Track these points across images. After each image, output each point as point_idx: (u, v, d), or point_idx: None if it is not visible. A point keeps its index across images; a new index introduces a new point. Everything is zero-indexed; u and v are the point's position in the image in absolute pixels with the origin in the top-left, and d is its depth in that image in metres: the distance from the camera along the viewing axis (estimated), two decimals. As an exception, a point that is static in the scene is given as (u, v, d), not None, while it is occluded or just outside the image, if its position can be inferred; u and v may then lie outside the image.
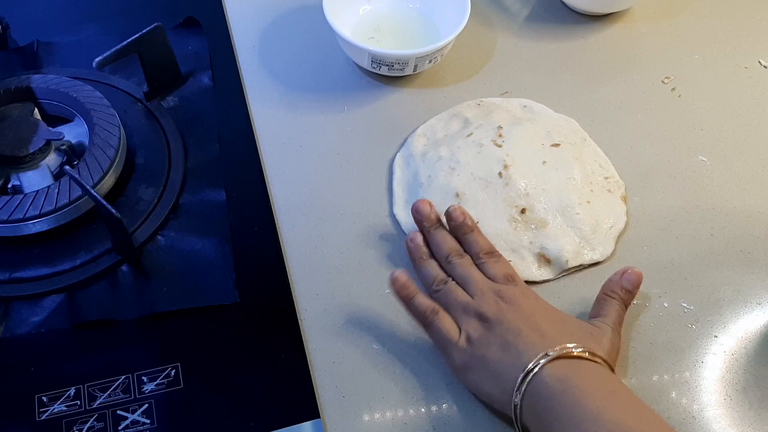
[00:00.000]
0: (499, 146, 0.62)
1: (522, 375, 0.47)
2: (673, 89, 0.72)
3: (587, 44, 0.76)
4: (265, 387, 0.54)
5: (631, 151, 0.66)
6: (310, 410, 0.52)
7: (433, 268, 0.56)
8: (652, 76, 0.73)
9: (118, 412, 0.53)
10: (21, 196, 0.58)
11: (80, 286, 0.58)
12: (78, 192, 0.59)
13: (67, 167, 0.59)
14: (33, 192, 0.59)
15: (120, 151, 0.62)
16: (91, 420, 0.52)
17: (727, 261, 0.60)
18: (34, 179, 0.62)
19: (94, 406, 0.53)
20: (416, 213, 0.58)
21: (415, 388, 0.53)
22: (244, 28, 0.76)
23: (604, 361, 0.48)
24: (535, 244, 0.58)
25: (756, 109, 0.70)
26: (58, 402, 0.53)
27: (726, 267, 0.59)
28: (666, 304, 0.57)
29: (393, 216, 0.62)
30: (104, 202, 0.55)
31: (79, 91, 0.65)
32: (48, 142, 0.62)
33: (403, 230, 0.61)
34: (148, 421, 0.52)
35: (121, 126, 0.64)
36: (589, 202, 0.61)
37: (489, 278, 0.54)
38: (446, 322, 0.52)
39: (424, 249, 0.57)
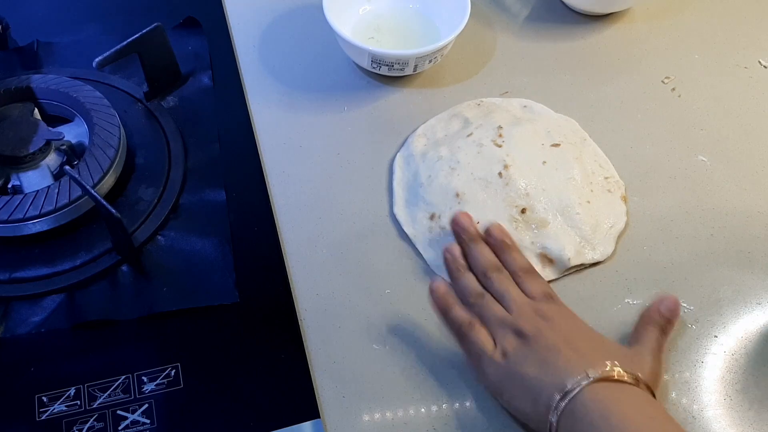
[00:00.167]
0: (499, 146, 0.62)
1: (561, 395, 0.46)
2: (673, 89, 0.72)
3: (587, 44, 0.76)
4: (265, 387, 0.54)
5: (631, 151, 0.66)
6: (310, 410, 0.52)
7: (470, 281, 0.55)
8: (652, 76, 0.73)
9: (118, 412, 0.53)
10: (21, 196, 0.58)
11: (80, 286, 0.58)
12: (78, 192, 0.59)
13: (67, 167, 0.59)
14: (33, 192, 0.59)
15: (120, 151, 0.62)
16: (91, 420, 0.52)
17: (727, 261, 0.60)
18: (34, 179, 0.62)
19: (94, 406, 0.53)
20: (455, 225, 0.57)
21: (415, 388, 0.53)
22: (244, 28, 0.76)
23: (646, 385, 0.47)
24: (537, 244, 0.58)
25: (756, 109, 0.70)
26: (58, 402, 0.53)
27: (726, 267, 0.59)
28: (666, 304, 0.57)
29: (393, 216, 0.62)
30: (104, 202, 0.55)
31: (79, 91, 0.65)
32: (48, 142, 0.62)
33: (403, 230, 0.61)
34: (148, 421, 0.52)
35: (121, 126, 0.64)
36: (589, 202, 0.61)
37: (526, 295, 0.53)
38: (482, 335, 0.51)
39: (462, 261, 0.56)
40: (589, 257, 0.59)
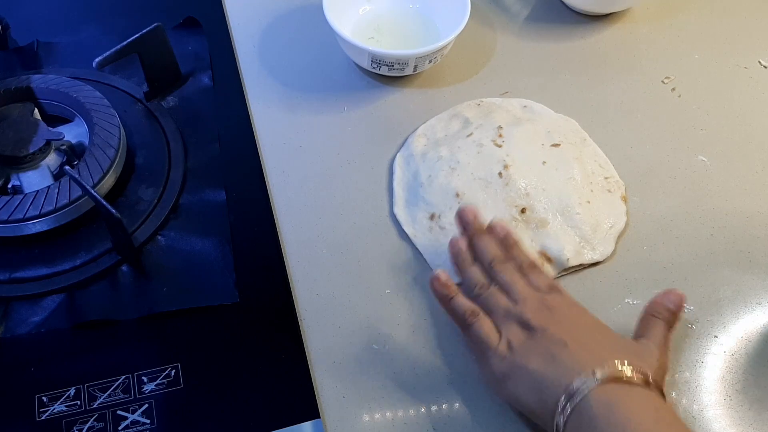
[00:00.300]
0: (499, 146, 0.62)
1: (568, 396, 0.45)
2: (673, 89, 0.72)
3: (587, 44, 0.76)
4: (265, 387, 0.54)
5: (631, 151, 0.66)
6: (310, 410, 0.52)
7: (475, 272, 0.54)
8: (652, 76, 0.73)
9: (118, 412, 0.53)
10: (21, 196, 0.58)
11: (80, 286, 0.58)
12: (78, 192, 0.59)
13: (67, 167, 0.59)
14: (33, 192, 0.59)
15: (120, 151, 0.62)
16: (91, 420, 0.52)
17: (727, 261, 0.60)
18: (34, 179, 0.62)
19: (94, 406, 0.53)
20: (460, 218, 0.56)
21: (415, 388, 0.53)
22: (244, 28, 0.76)
23: (656, 385, 0.46)
24: (536, 243, 0.58)
25: (756, 109, 0.70)
26: (58, 402, 0.53)
27: (726, 267, 0.59)
28: (666, 304, 0.57)
29: (393, 216, 0.62)
30: (104, 202, 0.55)
31: (79, 91, 0.65)
32: (48, 142, 0.62)
33: (403, 230, 0.61)
34: (148, 421, 0.52)
35: (121, 126, 0.64)
36: (589, 202, 0.61)
37: (533, 287, 0.52)
38: (486, 326, 0.51)
39: (467, 254, 0.55)
40: (589, 257, 0.59)
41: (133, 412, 0.52)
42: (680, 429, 0.45)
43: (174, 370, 0.54)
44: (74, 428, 0.52)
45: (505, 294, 0.52)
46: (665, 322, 0.51)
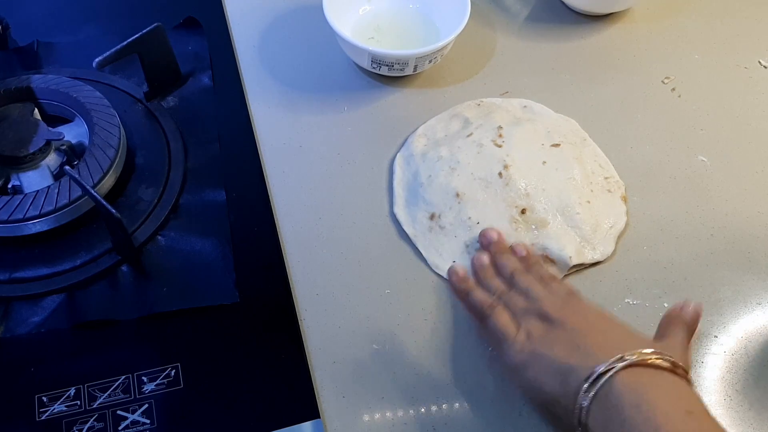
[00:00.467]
0: (499, 146, 0.62)
1: (593, 377, 0.43)
2: (673, 89, 0.72)
3: (587, 44, 0.76)
4: (265, 387, 0.54)
5: (631, 151, 0.66)
6: (310, 410, 0.52)
7: (496, 282, 0.54)
8: (652, 76, 0.73)
9: (118, 412, 0.53)
10: (21, 196, 0.58)
11: (80, 286, 0.58)
12: (78, 192, 0.59)
13: (67, 167, 0.59)
14: (33, 192, 0.59)
15: (120, 151, 0.62)
16: (91, 420, 0.52)
17: (727, 261, 0.60)
18: (34, 179, 0.62)
19: (94, 406, 0.53)
20: (484, 238, 0.57)
21: (415, 388, 0.53)
22: (244, 28, 0.76)
23: (684, 371, 0.45)
24: (537, 245, 0.58)
25: (756, 109, 0.70)
26: (58, 402, 0.53)
27: (726, 267, 0.59)
28: (666, 305, 0.57)
29: (393, 216, 0.62)
30: (104, 202, 0.55)
31: (79, 91, 0.65)
32: (48, 142, 0.62)
33: (403, 230, 0.61)
34: (148, 421, 0.52)
35: (121, 126, 0.64)
36: (589, 202, 0.61)
37: (551, 292, 0.52)
38: (504, 318, 0.50)
39: (490, 268, 0.56)
40: (590, 257, 0.59)
41: (133, 412, 0.52)
42: (712, 424, 0.42)
43: (174, 370, 0.54)
44: (74, 428, 0.52)
45: (524, 296, 0.52)
46: (685, 327, 0.49)
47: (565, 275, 0.59)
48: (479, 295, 0.52)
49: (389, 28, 0.74)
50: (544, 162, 0.62)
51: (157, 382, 0.54)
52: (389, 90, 0.71)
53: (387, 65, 0.68)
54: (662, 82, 0.72)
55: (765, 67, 0.73)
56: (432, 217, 0.61)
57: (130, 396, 0.53)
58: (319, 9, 0.68)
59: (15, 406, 0.53)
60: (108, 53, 0.63)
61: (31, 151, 0.61)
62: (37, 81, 0.66)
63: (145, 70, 0.67)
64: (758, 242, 0.61)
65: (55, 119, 0.66)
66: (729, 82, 0.72)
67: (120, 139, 0.63)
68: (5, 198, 0.58)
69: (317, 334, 0.56)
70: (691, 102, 0.70)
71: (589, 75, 0.73)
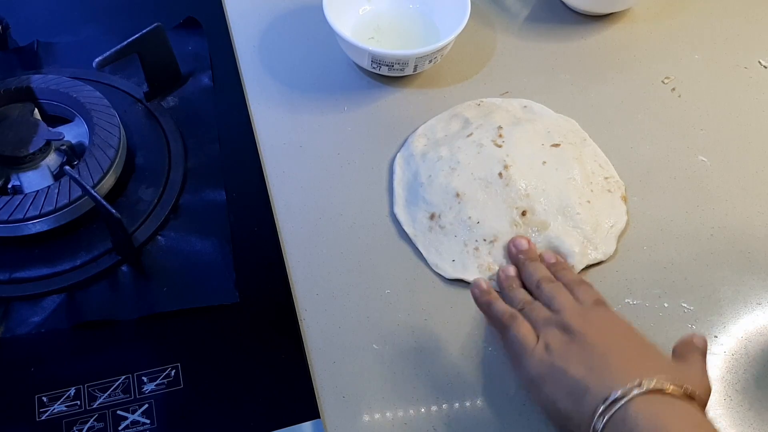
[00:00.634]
0: (499, 146, 0.62)
1: (609, 401, 0.43)
2: (673, 89, 0.72)
3: (587, 44, 0.76)
4: (265, 387, 0.54)
5: (631, 151, 0.66)
6: (310, 410, 0.52)
7: (521, 293, 0.54)
8: (652, 76, 0.73)
9: (118, 412, 0.53)
10: (21, 196, 0.58)
11: (80, 286, 0.58)
12: (78, 192, 0.59)
13: (67, 167, 0.59)
14: (33, 192, 0.59)
15: (120, 151, 0.62)
16: (91, 420, 0.52)
17: (727, 261, 0.60)
18: (34, 179, 0.62)
19: (94, 407, 0.53)
20: (513, 246, 0.57)
21: (415, 388, 0.53)
22: (244, 28, 0.76)
23: (698, 399, 0.45)
24: (542, 247, 0.58)
25: (756, 109, 0.70)
26: (58, 402, 0.53)
27: (726, 267, 0.59)
28: (666, 305, 0.57)
29: (393, 216, 0.62)
30: (104, 203, 0.55)
31: (79, 91, 0.65)
32: (48, 142, 0.62)
33: (403, 230, 0.61)
34: (148, 421, 0.52)
35: (121, 126, 0.64)
36: (589, 202, 0.61)
37: (577, 301, 0.51)
38: (524, 328, 0.50)
39: (516, 279, 0.56)
40: (592, 257, 0.59)
41: (133, 412, 0.52)
42: None
43: (174, 370, 0.54)
44: (74, 428, 0.52)
45: (547, 307, 0.52)
46: (700, 352, 0.49)
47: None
48: (501, 306, 0.52)
49: (389, 28, 0.74)
50: (544, 162, 0.62)
51: (157, 382, 0.54)
52: (389, 90, 0.71)
53: (387, 65, 0.68)
54: (662, 82, 0.72)
55: (765, 67, 0.73)
56: (432, 217, 0.61)
57: (130, 396, 0.53)
58: (319, 9, 0.68)
59: (15, 406, 0.53)
60: (108, 53, 0.63)
61: (31, 151, 0.61)
62: (37, 81, 0.66)
63: (145, 70, 0.67)
64: (758, 242, 0.61)
65: (55, 119, 0.66)
66: (729, 82, 0.72)
67: (120, 139, 0.63)
68: (5, 198, 0.58)
69: (317, 334, 0.56)
70: (691, 102, 0.70)
71: (589, 75, 0.73)
